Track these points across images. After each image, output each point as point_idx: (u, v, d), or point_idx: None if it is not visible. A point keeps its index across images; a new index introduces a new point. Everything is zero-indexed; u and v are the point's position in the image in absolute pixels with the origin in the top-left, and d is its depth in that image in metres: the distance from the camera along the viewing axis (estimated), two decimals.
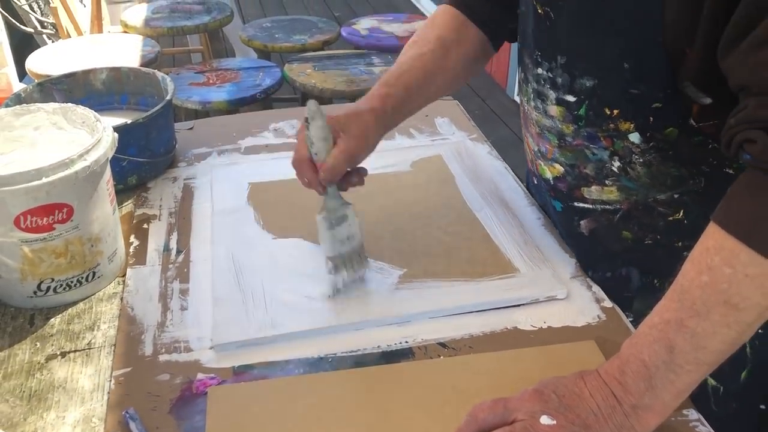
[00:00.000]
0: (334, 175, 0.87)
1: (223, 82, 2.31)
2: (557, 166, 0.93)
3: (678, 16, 0.72)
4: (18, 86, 2.36)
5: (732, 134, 0.68)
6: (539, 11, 0.85)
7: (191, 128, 1.38)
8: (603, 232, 0.92)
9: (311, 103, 0.85)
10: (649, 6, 0.74)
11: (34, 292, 0.90)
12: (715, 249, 0.66)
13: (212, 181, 1.18)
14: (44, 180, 0.82)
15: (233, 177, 1.18)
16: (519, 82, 0.97)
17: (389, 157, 1.24)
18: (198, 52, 3.55)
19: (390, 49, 2.64)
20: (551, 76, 0.87)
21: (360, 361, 0.82)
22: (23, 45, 3.18)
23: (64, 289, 0.91)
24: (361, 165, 0.92)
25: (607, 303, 0.90)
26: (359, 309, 0.88)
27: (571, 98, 0.86)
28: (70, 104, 0.98)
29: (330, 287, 0.90)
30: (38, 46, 3.21)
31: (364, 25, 2.83)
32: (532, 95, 0.92)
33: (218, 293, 0.91)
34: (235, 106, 2.24)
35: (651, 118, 0.80)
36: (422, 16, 3.18)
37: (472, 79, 4.16)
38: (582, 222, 0.94)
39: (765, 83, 0.64)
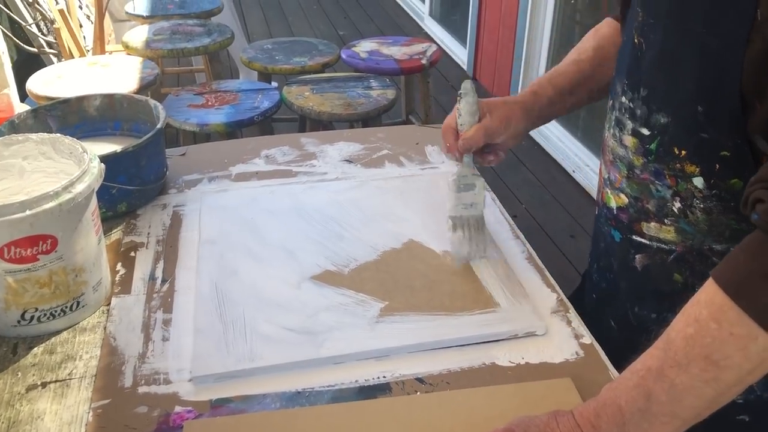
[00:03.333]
0: (470, 145, 1.01)
1: (221, 104, 2.33)
2: (622, 196, 0.93)
3: (756, 68, 0.71)
4: (19, 106, 2.39)
5: (749, 192, 0.68)
6: (635, 40, 0.86)
7: (183, 154, 1.39)
8: (655, 270, 0.92)
9: (466, 82, 1.01)
10: (730, 54, 0.73)
11: (18, 322, 0.91)
12: (705, 302, 0.66)
13: (201, 208, 1.19)
14: (28, 212, 0.83)
15: (221, 205, 1.19)
16: (607, 110, 0.98)
17: (377, 187, 1.24)
18: (202, 72, 3.58)
19: (389, 72, 2.66)
20: (632, 106, 0.88)
21: (337, 396, 0.82)
22: (29, 64, 3.22)
23: (48, 318, 0.92)
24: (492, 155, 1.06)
25: (586, 339, 0.90)
26: (338, 342, 0.88)
27: (645, 131, 0.86)
28: (58, 135, 1.00)
29: (453, 249, 1.03)
30: (44, 65, 3.25)
31: (364, 47, 2.85)
32: (613, 122, 0.94)
33: (200, 324, 0.92)
34: (233, 128, 2.26)
35: (717, 165, 0.79)
36: (424, 39, 3.20)
37: None
38: (637, 256, 0.94)
39: None
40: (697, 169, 0.81)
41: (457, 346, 0.89)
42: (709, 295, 0.66)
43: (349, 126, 2.44)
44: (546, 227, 2.94)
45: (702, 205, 0.83)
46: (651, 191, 0.88)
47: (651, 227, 0.90)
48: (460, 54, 4.66)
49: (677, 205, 0.85)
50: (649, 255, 0.92)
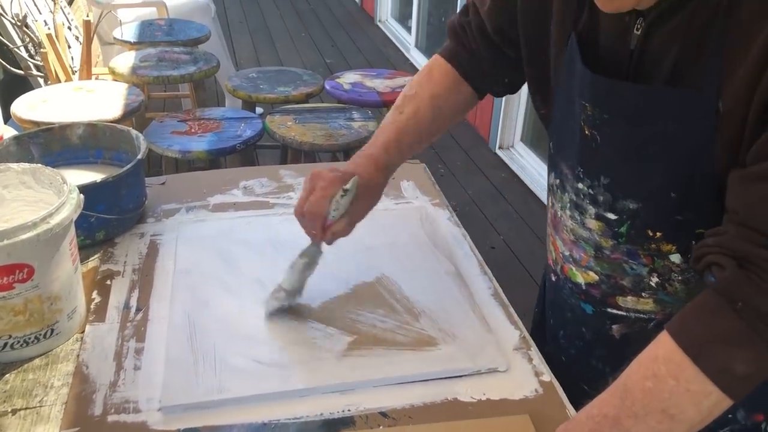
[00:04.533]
0: (338, 238, 1.00)
1: (204, 131, 2.36)
2: (592, 273, 0.93)
3: (728, 156, 0.73)
4: (2, 128, 2.40)
5: (704, 252, 0.71)
6: (586, 132, 0.84)
7: (163, 183, 1.42)
8: (635, 338, 0.92)
9: (354, 180, 0.97)
10: (701, 146, 0.74)
11: None
12: (663, 359, 0.70)
13: (178, 238, 1.21)
14: (6, 242, 0.85)
15: (198, 235, 1.22)
16: (551, 186, 0.97)
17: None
18: (187, 97, 3.61)
19: (370, 104, 2.71)
20: (592, 193, 0.87)
21: (302, 428, 0.84)
22: (14, 85, 3.24)
23: (22, 345, 0.94)
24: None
25: (546, 377, 0.93)
26: (306, 375, 0.91)
27: (612, 216, 0.86)
28: (39, 165, 1.02)
29: (271, 309, 1.02)
30: (30, 86, 3.27)
31: (348, 79, 2.90)
32: (568, 205, 0.92)
33: (171, 354, 0.94)
34: (215, 156, 2.28)
35: (694, 242, 0.80)
36: (407, 73, 3.27)
37: (456, 132, 4.25)
38: (614, 326, 0.94)
39: (756, 217, 0.68)
40: (674, 247, 0.83)
41: (420, 381, 0.91)
42: (667, 353, 0.70)
43: (330, 156, 2.48)
44: (523, 259, 2.98)
45: (680, 278, 0.85)
46: (625, 269, 0.88)
47: (627, 300, 0.91)
48: None
49: (655, 279, 0.86)
50: (627, 324, 0.93)
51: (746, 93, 0.69)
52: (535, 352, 0.97)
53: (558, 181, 0.94)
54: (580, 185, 0.88)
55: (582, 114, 0.84)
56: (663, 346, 0.71)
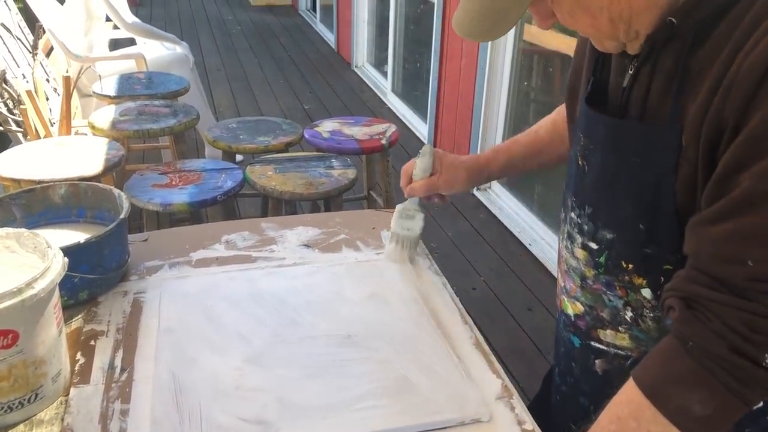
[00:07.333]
0: (414, 194, 1.28)
1: (185, 183, 2.38)
2: (578, 304, 0.98)
3: (687, 191, 0.78)
4: None
5: (665, 297, 0.76)
6: (579, 162, 0.92)
7: (146, 240, 1.43)
8: (615, 374, 0.97)
9: (427, 146, 1.25)
10: (663, 180, 0.79)
11: None
12: (626, 402, 0.74)
13: (161, 295, 1.22)
14: None
15: (181, 292, 1.23)
16: (560, 222, 1.03)
17: (333, 272, 1.29)
18: (167, 149, 3.64)
19: (349, 152, 2.75)
20: (579, 222, 0.94)
21: None
22: None
23: (5, 411, 0.93)
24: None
25: (528, 425, 0.94)
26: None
27: (594, 245, 0.92)
28: (23, 230, 1.03)
29: (386, 255, 1.35)
30: (9, 141, 3.28)
31: (326, 127, 2.95)
32: (565, 235, 0.99)
33: (157, 414, 0.94)
34: (196, 208, 2.30)
35: (662, 278, 0.85)
36: (384, 120, 3.32)
37: None
38: (597, 361, 0.99)
39: (702, 258, 0.72)
40: (644, 281, 0.87)
41: None
42: (628, 395, 0.73)
43: (311, 204, 2.49)
44: (504, 300, 3.00)
45: (651, 315, 0.89)
46: (604, 301, 0.93)
47: (607, 334, 0.95)
48: (421, 129, 4.81)
49: (629, 314, 0.91)
50: (607, 360, 0.97)
51: (695, 131, 0.74)
52: (517, 401, 0.99)
53: (563, 214, 1.01)
54: (573, 215, 0.96)
55: (578, 145, 0.92)
56: (626, 390, 0.75)
